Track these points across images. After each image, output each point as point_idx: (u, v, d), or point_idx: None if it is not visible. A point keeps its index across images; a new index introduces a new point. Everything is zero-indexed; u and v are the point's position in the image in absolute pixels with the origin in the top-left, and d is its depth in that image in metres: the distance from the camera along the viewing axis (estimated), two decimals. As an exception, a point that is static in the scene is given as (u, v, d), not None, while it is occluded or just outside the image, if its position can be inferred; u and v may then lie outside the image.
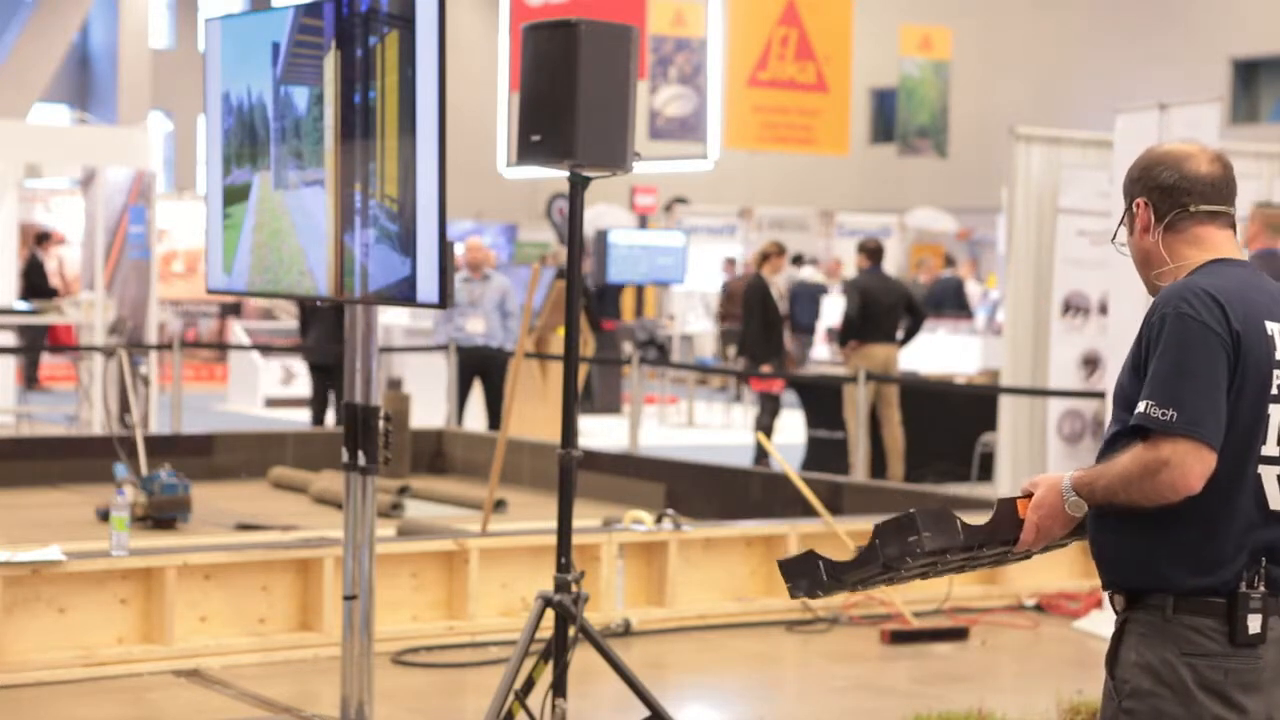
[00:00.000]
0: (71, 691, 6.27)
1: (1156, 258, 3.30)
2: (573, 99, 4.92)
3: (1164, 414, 3.06)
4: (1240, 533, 3.12)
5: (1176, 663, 3.11)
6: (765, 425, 13.46)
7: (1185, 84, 24.31)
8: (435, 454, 12.62)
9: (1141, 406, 3.09)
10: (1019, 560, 3.36)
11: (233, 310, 22.35)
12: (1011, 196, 10.73)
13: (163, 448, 11.12)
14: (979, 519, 3.27)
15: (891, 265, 21.39)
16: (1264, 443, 3.14)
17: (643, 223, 25.01)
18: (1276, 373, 3.15)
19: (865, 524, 8.21)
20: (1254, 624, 3.10)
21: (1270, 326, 3.16)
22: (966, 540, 3.24)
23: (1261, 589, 3.12)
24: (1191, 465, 3.05)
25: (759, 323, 13.72)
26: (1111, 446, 3.21)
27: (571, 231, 5.25)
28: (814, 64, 23.37)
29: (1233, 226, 3.31)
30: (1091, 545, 3.29)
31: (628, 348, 17.72)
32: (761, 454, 13.35)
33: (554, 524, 5.19)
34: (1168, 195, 3.27)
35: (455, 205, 5.42)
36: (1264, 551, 3.14)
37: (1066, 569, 8.47)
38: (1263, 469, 3.14)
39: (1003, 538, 3.26)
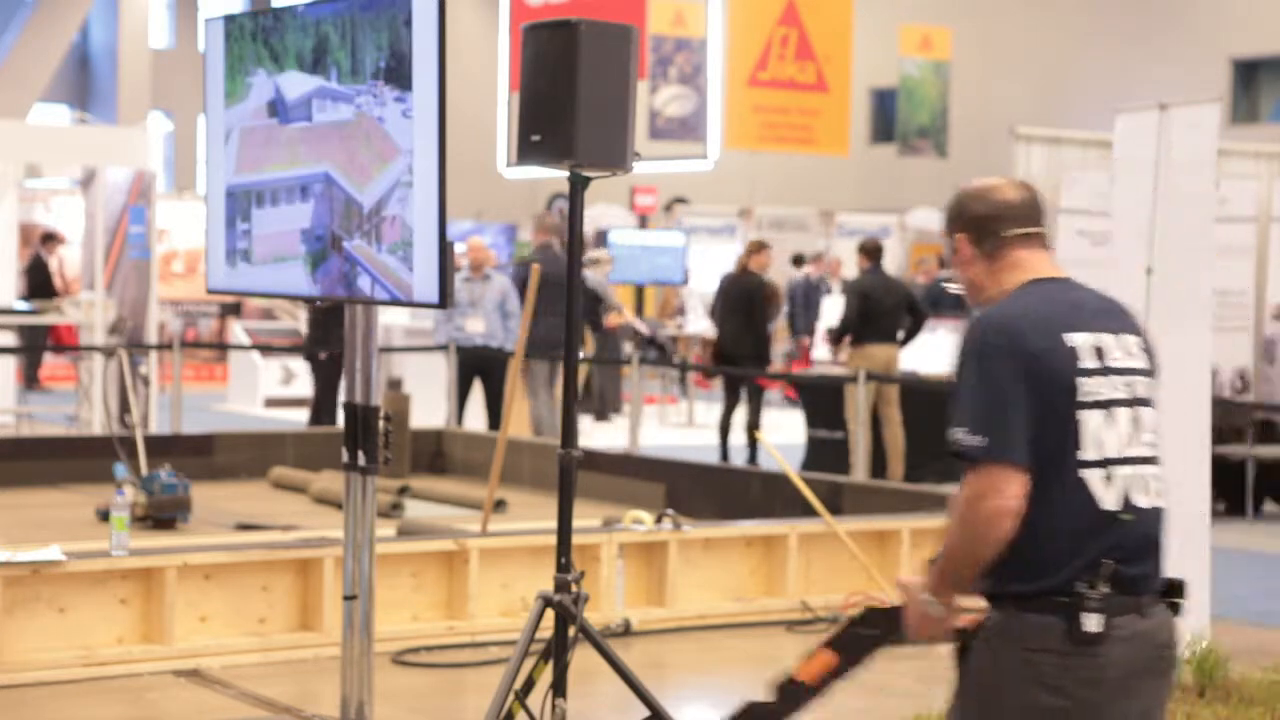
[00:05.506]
0: (71, 691, 6.27)
1: (982, 286, 3.47)
2: (573, 99, 4.92)
3: (974, 441, 3.23)
4: (1071, 537, 3.23)
5: (1019, 659, 3.24)
6: (746, 419, 13.55)
7: (1185, 84, 24.29)
8: (435, 454, 12.62)
9: (956, 434, 3.27)
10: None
11: (233, 310, 22.34)
12: (1012, 196, 10.72)
13: (163, 448, 11.12)
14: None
15: (891, 265, 21.38)
16: (1079, 449, 3.26)
17: (643, 223, 25.00)
18: (1082, 380, 3.27)
19: (865, 524, 8.22)
20: (1091, 623, 3.21)
21: (1071, 339, 3.30)
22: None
23: (1104, 589, 3.22)
24: (1005, 488, 3.20)
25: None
26: None
27: (571, 231, 5.25)
28: (814, 64, 23.36)
29: (1046, 245, 3.48)
30: None
31: (628, 348, 17.72)
32: (753, 451, 13.40)
33: (554, 524, 5.19)
34: (982, 225, 3.44)
35: (455, 205, 5.41)
36: (1108, 552, 3.25)
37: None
38: (1085, 473, 3.26)
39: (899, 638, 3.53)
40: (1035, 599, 3.24)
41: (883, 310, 12.96)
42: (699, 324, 21.09)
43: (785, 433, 14.50)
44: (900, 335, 13.17)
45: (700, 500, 10.30)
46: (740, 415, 14.04)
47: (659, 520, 7.83)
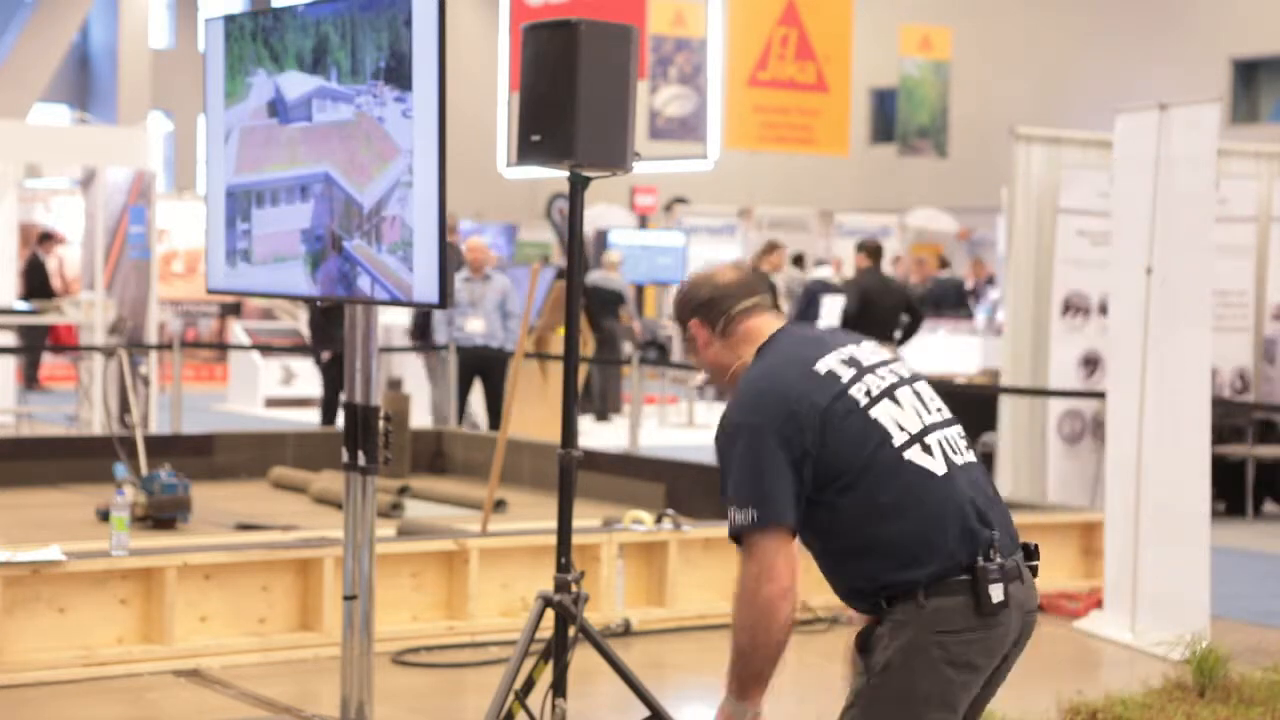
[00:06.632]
0: (71, 691, 6.27)
1: (724, 363, 3.69)
2: (573, 99, 4.92)
3: (744, 518, 3.49)
4: (930, 513, 3.38)
5: (929, 642, 3.35)
6: None
7: (1185, 84, 24.30)
8: (435, 454, 12.62)
9: (730, 515, 3.52)
10: None
11: (233, 310, 22.34)
12: (1011, 196, 10.74)
13: (163, 448, 11.11)
14: None
15: (892, 265, 21.36)
16: (891, 438, 3.43)
17: (643, 223, 25.00)
18: (855, 389, 3.46)
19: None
20: (996, 593, 3.36)
21: (824, 364, 3.51)
22: None
23: (998, 560, 3.37)
24: (774, 565, 3.49)
25: None
26: None
27: (571, 231, 5.25)
28: (814, 64, 23.35)
29: (770, 309, 3.71)
30: (837, 584, 3.61)
31: (628, 348, 17.72)
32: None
33: (554, 524, 5.19)
34: (711, 307, 3.70)
35: (455, 205, 5.41)
36: (964, 511, 3.39)
37: (1067, 570, 8.47)
38: (908, 455, 3.42)
39: None
40: (936, 584, 3.36)
41: (882, 310, 12.97)
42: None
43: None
44: (897, 335, 13.17)
45: (700, 500, 10.28)
46: None
47: (659, 520, 7.82)
